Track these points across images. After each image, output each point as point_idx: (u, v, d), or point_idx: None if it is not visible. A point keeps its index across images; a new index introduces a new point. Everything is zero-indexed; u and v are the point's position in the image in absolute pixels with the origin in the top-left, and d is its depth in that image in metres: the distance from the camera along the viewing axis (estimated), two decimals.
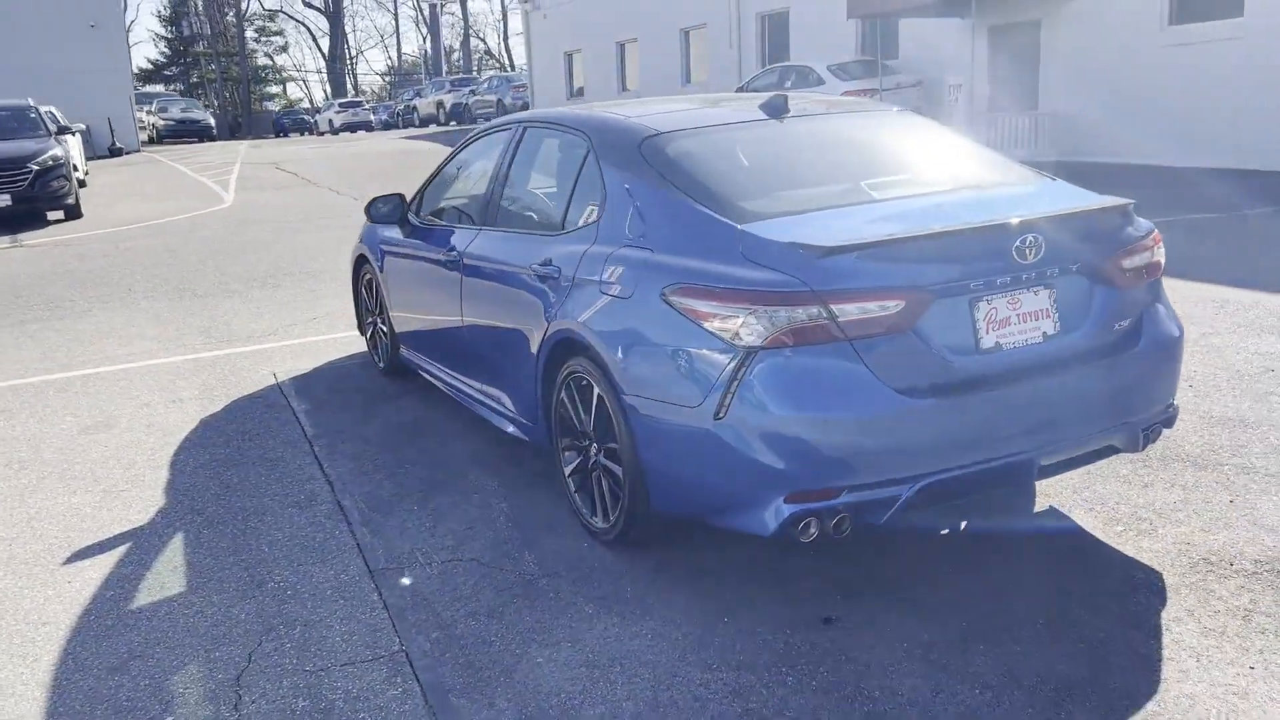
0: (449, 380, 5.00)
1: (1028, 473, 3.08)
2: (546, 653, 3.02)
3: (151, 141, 38.61)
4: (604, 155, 3.80)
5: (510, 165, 4.53)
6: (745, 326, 2.92)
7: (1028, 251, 3.03)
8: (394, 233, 5.56)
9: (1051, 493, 3.85)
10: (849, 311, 2.88)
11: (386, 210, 5.34)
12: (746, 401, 2.92)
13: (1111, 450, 3.33)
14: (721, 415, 2.96)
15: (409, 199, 5.45)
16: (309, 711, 2.83)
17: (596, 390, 3.52)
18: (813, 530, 2.98)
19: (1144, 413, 3.29)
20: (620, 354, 3.30)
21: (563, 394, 3.78)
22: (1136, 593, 3.16)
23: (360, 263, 6.20)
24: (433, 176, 5.45)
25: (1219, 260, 8.21)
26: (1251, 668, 2.76)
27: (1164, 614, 3.02)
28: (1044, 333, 3.12)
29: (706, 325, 3.01)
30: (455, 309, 4.69)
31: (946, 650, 2.90)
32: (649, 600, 3.28)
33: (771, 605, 3.20)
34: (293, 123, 50.45)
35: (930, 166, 3.82)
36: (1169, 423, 3.41)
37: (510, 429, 4.34)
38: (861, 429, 2.87)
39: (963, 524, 3.62)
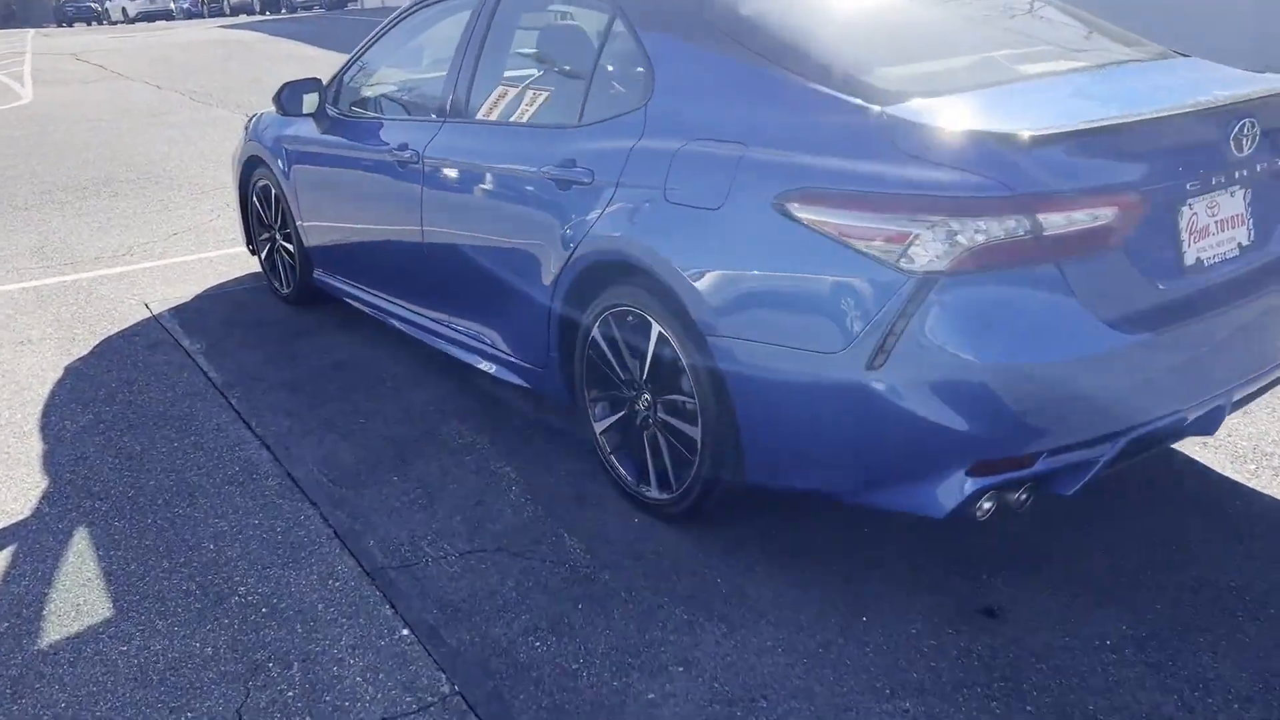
0: (397, 311, 4.07)
1: (1220, 416, 2.51)
2: (657, 684, 2.29)
3: None
4: (644, 21, 2.93)
5: (484, 42, 3.57)
6: (920, 245, 2.19)
7: (1244, 141, 2.40)
8: (303, 129, 4.50)
9: None
10: (1055, 223, 2.19)
11: (306, 98, 4.28)
12: (919, 345, 2.21)
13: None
14: (879, 364, 2.24)
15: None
16: None
17: (656, 329, 2.74)
18: (988, 506, 2.34)
19: None
20: (705, 283, 2.52)
21: (597, 333, 2.97)
22: None
23: (251, 166, 5.09)
24: (354, 60, 4.40)
25: None
26: None
27: None
28: (1239, 244, 2.53)
29: (856, 245, 2.27)
30: (410, 224, 3.76)
31: (1163, 648, 2.32)
32: (751, 595, 2.58)
33: (904, 594, 2.55)
34: (77, 10, 45.67)
35: (1062, 36, 3.13)
36: None
37: (495, 371, 3.49)
38: (1070, 375, 2.21)
39: None
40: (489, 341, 3.50)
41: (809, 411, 2.41)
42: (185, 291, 5.40)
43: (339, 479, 3.28)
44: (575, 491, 3.13)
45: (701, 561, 2.73)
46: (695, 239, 2.58)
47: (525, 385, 3.41)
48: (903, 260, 2.21)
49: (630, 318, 2.87)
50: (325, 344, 4.52)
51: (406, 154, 3.71)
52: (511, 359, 3.40)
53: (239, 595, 2.69)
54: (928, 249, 2.19)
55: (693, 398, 2.68)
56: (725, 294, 2.49)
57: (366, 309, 4.32)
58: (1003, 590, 2.55)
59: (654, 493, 2.91)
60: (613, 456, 3.06)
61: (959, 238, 2.17)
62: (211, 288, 5.46)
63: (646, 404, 2.90)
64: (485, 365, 3.54)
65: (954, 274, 2.18)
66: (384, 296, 4.17)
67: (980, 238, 2.17)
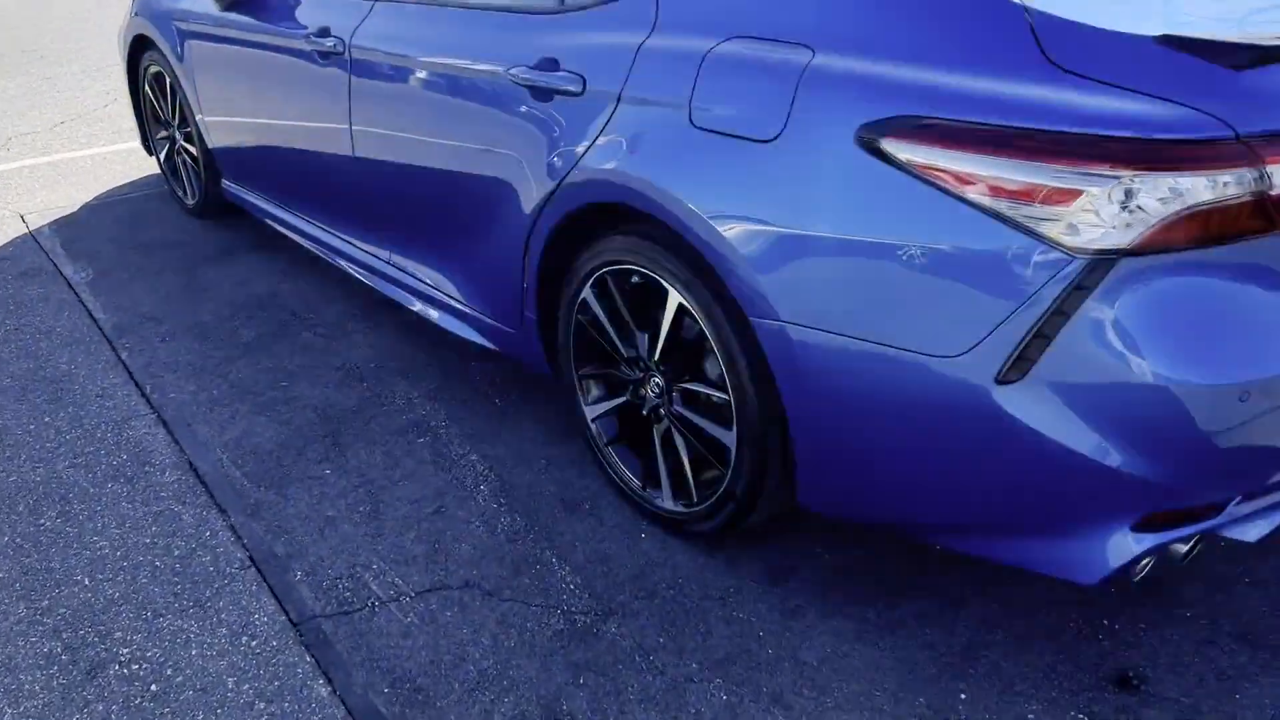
0: (325, 239, 3.29)
1: None
2: None
3: None
4: None
5: None
6: (1091, 210, 1.49)
7: None
8: (199, 2, 3.60)
9: None
10: None
11: None
12: (1081, 354, 1.54)
13: None
14: (1015, 376, 1.57)
15: None
16: None
17: (675, 298, 2.03)
18: (1148, 563, 1.71)
19: None
20: (751, 246, 1.81)
21: (589, 295, 2.26)
22: None
23: (139, 47, 4.16)
24: None
25: None
26: None
27: None
28: None
29: (986, 205, 1.56)
30: (336, 132, 2.95)
31: None
32: (807, 660, 1.95)
33: (1009, 655, 1.95)
34: None
35: None
36: None
37: (452, 327, 2.76)
38: None
39: None
40: (443, 289, 2.76)
41: (902, 430, 1.74)
42: (70, 198, 4.52)
43: (256, 473, 2.56)
44: (561, 492, 2.45)
45: (736, 602, 2.09)
46: (737, 182, 1.84)
47: (491, 347, 2.68)
48: (1063, 232, 1.51)
49: (637, 279, 2.16)
50: (240, 273, 3.73)
51: (329, 42, 2.87)
52: (474, 314, 2.67)
53: (119, 663, 2.00)
54: (1103, 215, 1.49)
55: (725, 392, 2.00)
56: (783, 263, 1.78)
57: (288, 233, 3.52)
58: (1137, 648, 1.95)
59: (666, 502, 2.25)
60: (610, 450, 2.38)
61: (1150, 200, 1.47)
62: (103, 194, 4.59)
63: (658, 390, 2.21)
64: (439, 318, 2.80)
65: (1142, 253, 1.49)
66: (308, 219, 3.37)
67: (1183, 201, 1.47)
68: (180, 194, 4.28)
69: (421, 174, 2.65)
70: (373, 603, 2.11)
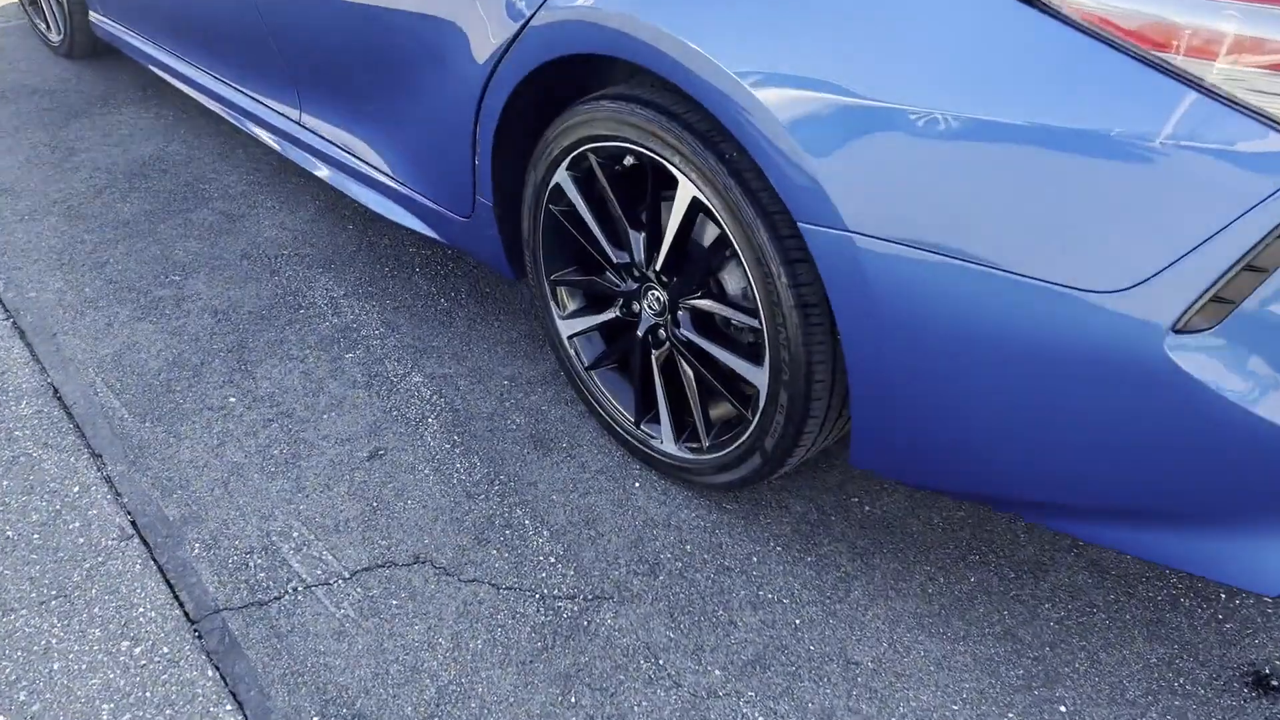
0: (214, 90, 2.65)
1: None
2: None
3: None
4: None
5: None
6: None
7: None
8: None
9: None
10: None
11: None
12: None
13: None
14: (1202, 323, 1.09)
15: None
16: None
17: (689, 189, 1.50)
18: None
19: None
20: (805, 117, 1.27)
21: (565, 178, 1.71)
22: None
23: None
24: None
25: None
26: None
27: None
28: None
29: (1194, 70, 1.04)
30: None
31: None
32: (860, 660, 1.53)
33: (1101, 634, 1.54)
34: None
35: None
36: None
37: (383, 209, 2.20)
38: None
39: None
40: (370, 161, 2.17)
41: (1020, 384, 1.26)
42: None
43: (140, 402, 2.02)
44: (532, 425, 1.95)
45: (761, 576, 1.65)
46: (786, 24, 1.29)
47: (434, 237, 2.13)
48: None
49: (632, 161, 1.62)
50: (120, 131, 3.06)
51: None
52: (412, 195, 2.10)
53: None
54: None
55: (754, 316, 1.50)
56: (854, 146, 1.25)
57: (173, 81, 2.85)
58: (1267, 633, 1.56)
59: (668, 446, 1.77)
60: (592, 377, 1.88)
61: None
62: None
63: (658, 307, 1.70)
64: (368, 198, 2.23)
65: None
66: (194, 64, 2.71)
67: None
68: (44, 29, 3.54)
69: (336, 9, 2.03)
70: (295, 587, 1.63)
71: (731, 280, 1.60)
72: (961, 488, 1.46)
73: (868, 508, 1.77)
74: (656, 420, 1.79)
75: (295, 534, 1.72)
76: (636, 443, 1.82)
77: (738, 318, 1.55)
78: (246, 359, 2.12)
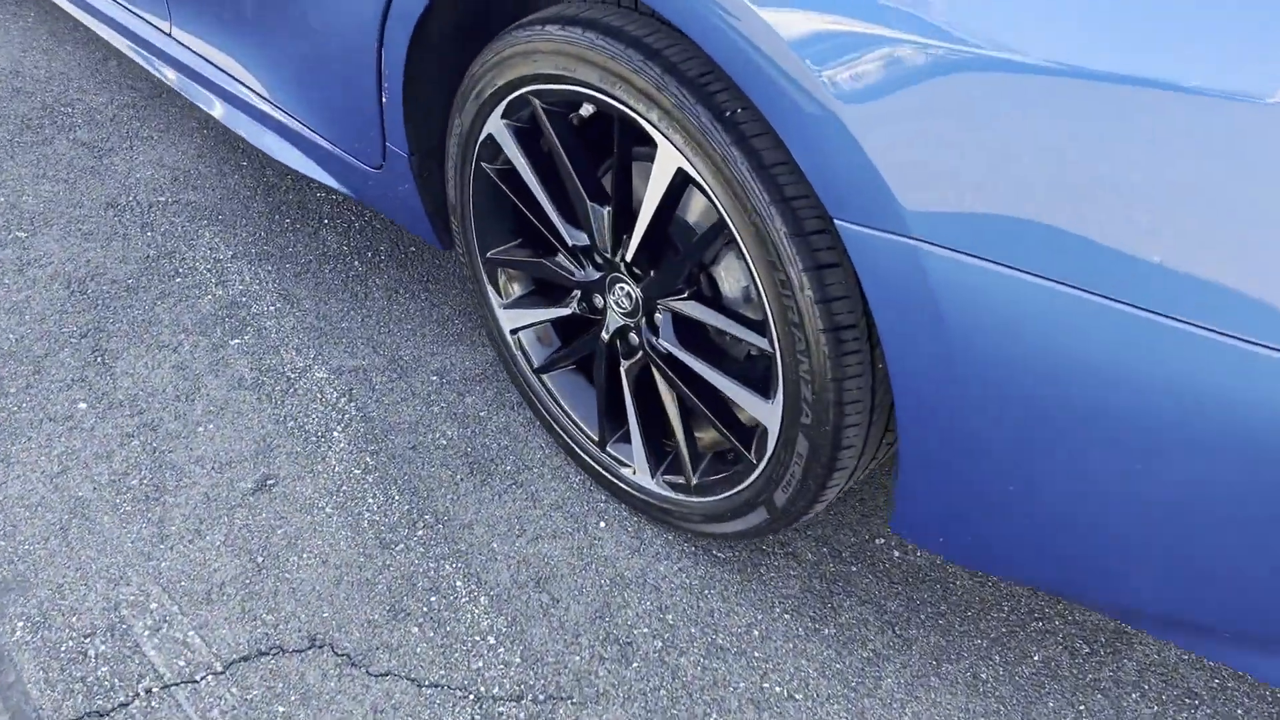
0: None
1: None
2: None
3: None
4: None
5: None
6: None
7: None
8: None
9: None
10: None
11: None
12: None
13: None
14: None
15: None
16: None
17: (672, 154, 1.06)
18: None
19: None
20: (850, 66, 0.83)
21: (502, 128, 1.25)
22: None
23: None
24: None
25: None
26: None
27: None
28: None
29: None
30: None
31: None
32: None
33: None
34: None
35: None
36: None
37: (276, 149, 1.72)
38: None
39: None
40: (254, 87, 1.68)
41: (1165, 471, 0.86)
42: None
43: None
44: (466, 442, 1.53)
45: (765, 660, 1.26)
46: None
47: (340, 189, 1.66)
48: None
49: (591, 109, 1.17)
50: None
51: None
52: (308, 134, 1.62)
53: None
54: None
55: (764, 335, 1.08)
56: (931, 115, 0.82)
57: None
58: None
59: (643, 479, 1.36)
60: (545, 381, 1.46)
61: None
62: None
63: (628, 306, 1.26)
64: (256, 136, 1.74)
65: None
66: None
67: None
68: None
69: None
70: (148, 688, 1.22)
71: (730, 278, 1.18)
72: (1051, 585, 1.06)
73: (898, 553, 1.39)
74: (628, 439, 1.37)
75: (153, 605, 1.30)
76: (601, 469, 1.41)
77: (738, 334, 1.13)
78: (104, 347, 1.67)
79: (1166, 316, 0.77)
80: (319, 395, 1.59)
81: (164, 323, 1.71)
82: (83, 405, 1.57)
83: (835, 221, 0.92)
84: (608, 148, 1.19)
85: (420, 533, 1.39)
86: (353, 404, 1.58)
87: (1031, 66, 0.77)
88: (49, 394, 1.58)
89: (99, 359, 1.65)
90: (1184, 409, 0.80)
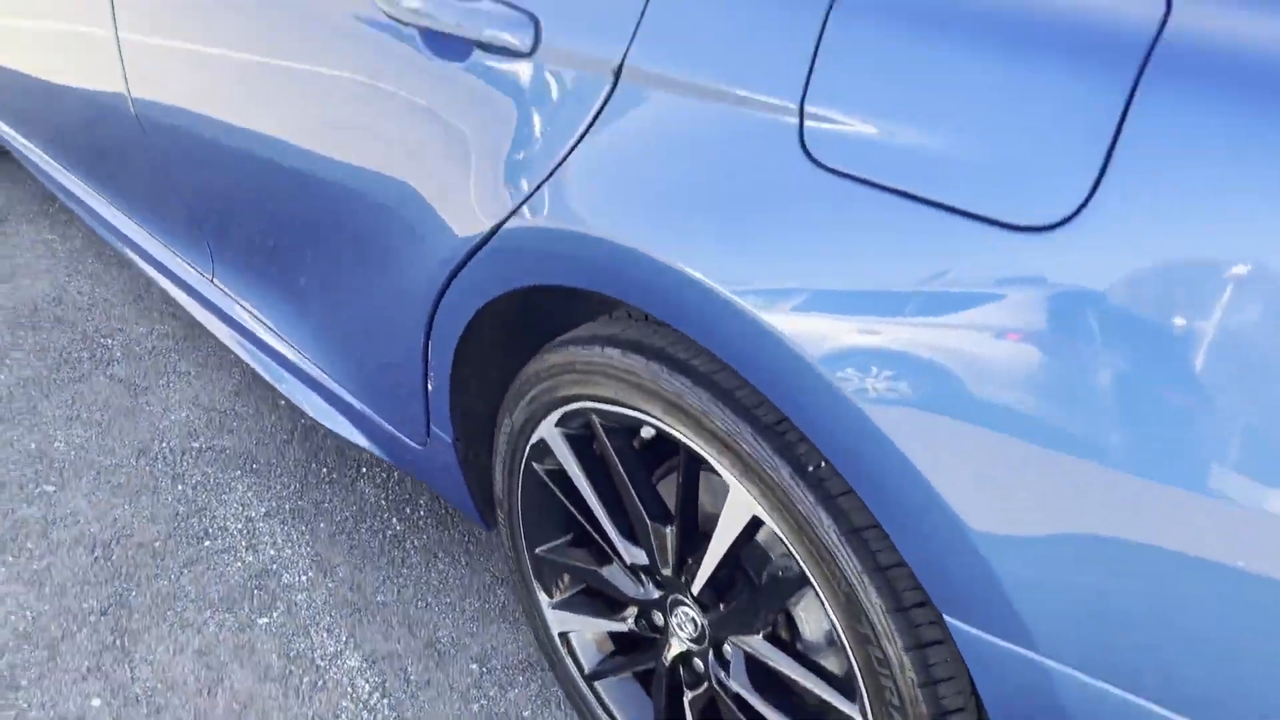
0: (116, 226, 2.10)
1: None
2: None
3: None
4: None
5: None
6: None
7: None
8: None
9: None
10: None
11: None
12: None
13: None
14: None
15: None
16: None
17: (747, 501, 0.95)
18: None
19: None
20: (970, 463, 0.73)
21: (556, 436, 1.16)
22: None
23: None
24: None
25: None
26: None
27: None
28: None
29: None
30: (101, 62, 1.75)
31: None
32: None
33: None
34: None
35: None
36: None
37: (316, 409, 1.64)
38: None
39: None
40: (295, 346, 1.62)
41: None
42: None
43: None
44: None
45: None
46: (934, 302, 0.74)
47: (382, 457, 1.57)
48: None
49: (649, 433, 1.08)
50: (11, 259, 2.52)
51: None
52: (351, 402, 1.54)
53: None
54: None
55: (853, 701, 0.94)
56: (1057, 539, 0.71)
57: (71, 206, 2.31)
58: None
59: None
60: (598, 689, 1.32)
61: None
62: None
63: (692, 631, 1.14)
64: (296, 394, 1.67)
65: None
66: (93, 192, 2.16)
67: None
68: None
69: (234, 157, 1.48)
70: None
71: (811, 621, 1.05)
72: None
73: None
74: None
75: None
76: None
77: (827, 698, 0.99)
78: (124, 626, 1.56)
79: None
80: (349, 690, 1.46)
81: (189, 596, 1.61)
82: (96, 702, 1.45)
83: (945, 618, 0.80)
84: (670, 452, 1.09)
85: None
86: (386, 700, 1.45)
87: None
88: (60, 687, 1.47)
89: (118, 642, 1.54)
90: None
